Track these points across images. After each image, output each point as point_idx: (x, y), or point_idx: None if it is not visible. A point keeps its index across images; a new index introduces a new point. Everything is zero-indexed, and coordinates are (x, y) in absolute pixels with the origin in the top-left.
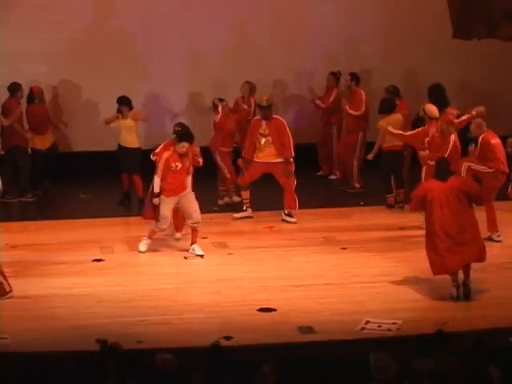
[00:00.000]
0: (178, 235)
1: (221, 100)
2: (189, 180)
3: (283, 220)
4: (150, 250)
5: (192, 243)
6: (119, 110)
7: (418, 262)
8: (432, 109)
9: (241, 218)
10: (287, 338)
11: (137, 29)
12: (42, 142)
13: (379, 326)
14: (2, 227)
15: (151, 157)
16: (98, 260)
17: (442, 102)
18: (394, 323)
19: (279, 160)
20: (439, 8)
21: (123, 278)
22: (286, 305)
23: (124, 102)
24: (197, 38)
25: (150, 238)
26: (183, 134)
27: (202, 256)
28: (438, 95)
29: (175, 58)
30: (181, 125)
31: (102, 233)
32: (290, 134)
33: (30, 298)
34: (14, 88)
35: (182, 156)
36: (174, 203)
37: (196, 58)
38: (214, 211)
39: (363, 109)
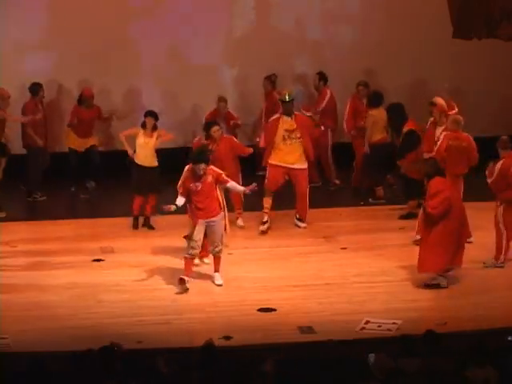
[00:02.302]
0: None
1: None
2: (217, 203)
3: (295, 225)
4: (150, 250)
5: (215, 271)
6: (144, 124)
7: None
8: (441, 101)
9: (267, 229)
10: (287, 338)
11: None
12: (81, 145)
13: (379, 326)
14: (2, 227)
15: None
16: (98, 260)
17: (402, 119)
18: (393, 323)
19: (301, 166)
20: (436, 8)
21: (123, 278)
22: (286, 305)
23: (152, 115)
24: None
25: (188, 275)
26: (198, 154)
27: (220, 285)
28: (397, 113)
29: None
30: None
31: (102, 233)
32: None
33: (30, 298)
34: (34, 89)
35: (200, 177)
36: (203, 226)
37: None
38: None
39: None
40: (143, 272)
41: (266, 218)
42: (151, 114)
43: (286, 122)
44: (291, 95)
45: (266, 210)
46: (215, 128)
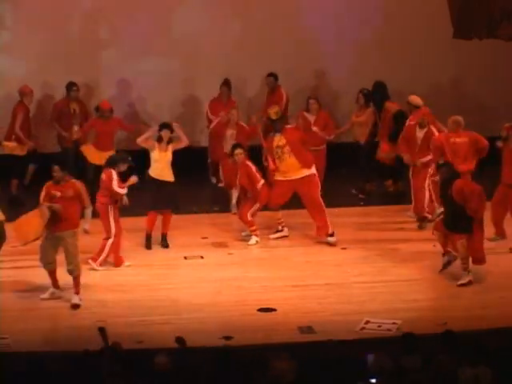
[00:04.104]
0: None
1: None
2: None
3: (325, 242)
4: (150, 249)
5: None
6: (160, 138)
7: (417, 261)
8: (415, 98)
9: (278, 238)
10: (287, 338)
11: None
12: (100, 158)
13: (379, 326)
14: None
15: None
16: None
17: (383, 97)
18: (393, 323)
19: (304, 174)
20: (436, 8)
21: (123, 278)
22: (285, 305)
23: (167, 128)
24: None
25: (54, 285)
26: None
27: (76, 305)
28: (380, 91)
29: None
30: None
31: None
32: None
33: (30, 298)
34: (67, 88)
35: (59, 184)
36: (55, 241)
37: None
38: (215, 211)
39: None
40: (143, 272)
41: (280, 227)
42: (166, 126)
43: (276, 139)
44: (278, 113)
45: (279, 221)
46: (238, 151)
